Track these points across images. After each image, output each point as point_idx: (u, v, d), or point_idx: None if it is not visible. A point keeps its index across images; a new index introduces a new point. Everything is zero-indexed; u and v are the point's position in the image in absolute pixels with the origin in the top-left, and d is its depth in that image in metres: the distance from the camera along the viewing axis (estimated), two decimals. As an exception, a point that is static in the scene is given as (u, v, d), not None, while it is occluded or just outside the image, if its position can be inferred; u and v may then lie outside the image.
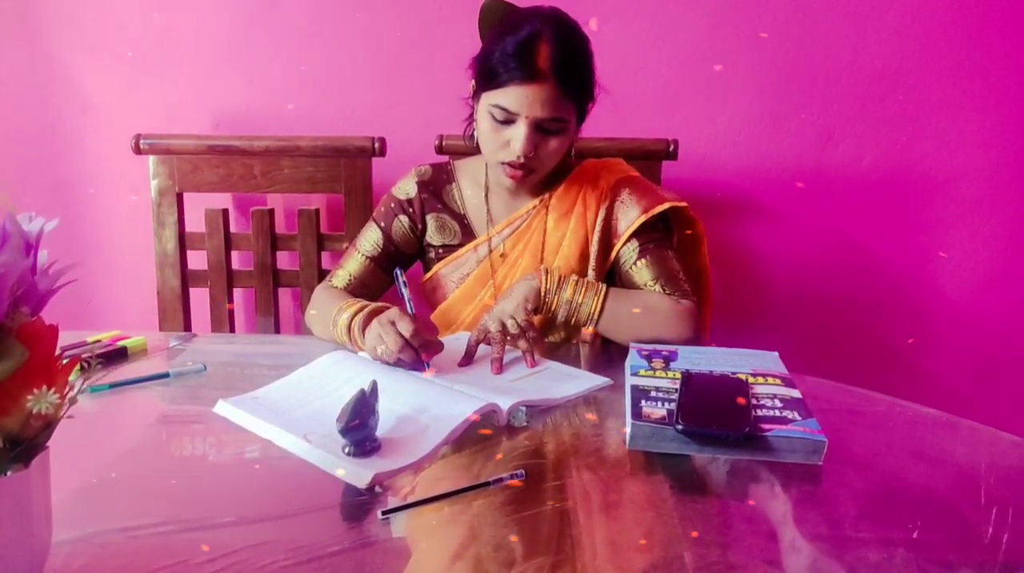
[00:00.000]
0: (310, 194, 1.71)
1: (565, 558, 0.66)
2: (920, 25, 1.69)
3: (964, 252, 1.83)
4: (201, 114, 1.80)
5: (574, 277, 1.23)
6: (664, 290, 1.26)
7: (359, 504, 0.76)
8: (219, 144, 1.64)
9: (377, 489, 0.78)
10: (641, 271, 1.28)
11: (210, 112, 1.80)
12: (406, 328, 1.04)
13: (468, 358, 1.14)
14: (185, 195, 1.68)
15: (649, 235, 1.29)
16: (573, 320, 1.22)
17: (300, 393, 1.01)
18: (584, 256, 1.31)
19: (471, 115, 1.26)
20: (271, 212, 1.69)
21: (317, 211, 1.69)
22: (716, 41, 1.72)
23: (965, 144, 1.76)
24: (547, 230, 1.31)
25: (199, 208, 1.69)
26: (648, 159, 1.61)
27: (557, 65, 1.13)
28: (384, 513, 0.73)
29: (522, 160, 1.19)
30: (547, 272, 1.22)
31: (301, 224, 1.69)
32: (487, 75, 1.17)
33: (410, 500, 0.76)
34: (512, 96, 1.15)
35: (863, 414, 1.01)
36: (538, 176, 1.26)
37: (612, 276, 1.34)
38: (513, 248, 1.32)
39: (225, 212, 1.69)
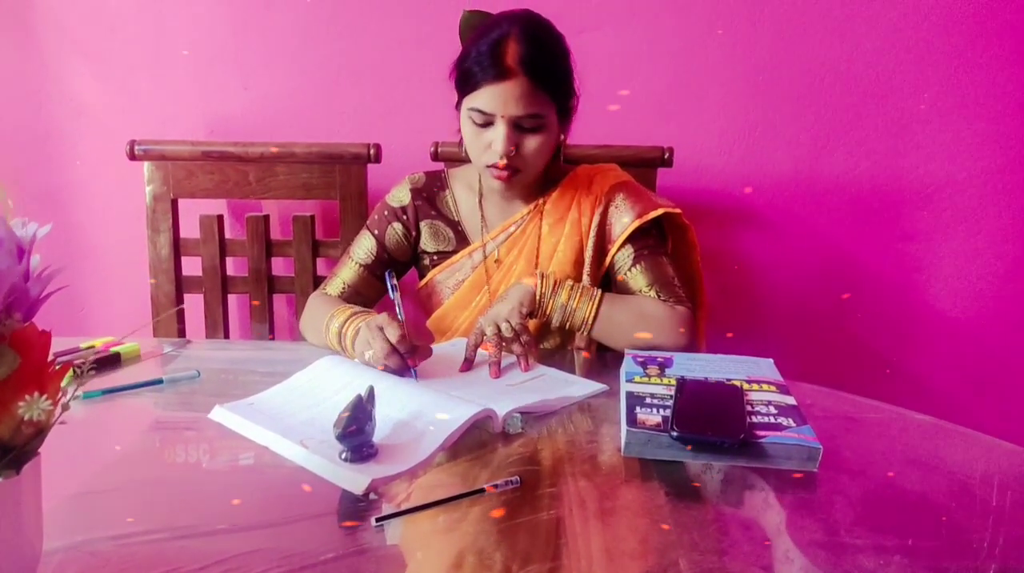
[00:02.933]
0: (305, 200, 1.70)
1: (560, 566, 0.66)
2: (913, 34, 1.70)
3: (957, 259, 1.84)
4: (196, 120, 1.80)
5: (569, 282, 1.23)
6: (659, 296, 1.25)
7: (353, 511, 0.76)
8: (214, 150, 1.63)
9: (372, 496, 0.78)
10: (636, 277, 1.27)
11: (205, 118, 1.80)
12: (393, 333, 1.04)
13: (468, 363, 1.14)
14: (180, 201, 1.68)
15: (643, 241, 1.29)
16: (568, 325, 1.22)
17: (297, 398, 1.00)
18: (579, 262, 1.31)
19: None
20: (266, 218, 1.69)
21: (312, 218, 1.69)
22: (710, 49, 1.72)
23: (958, 152, 1.76)
24: (541, 236, 1.31)
25: (194, 214, 1.69)
26: (644, 166, 1.61)
27: (527, 60, 1.14)
28: (378, 520, 0.72)
29: (505, 161, 1.19)
30: (543, 276, 1.22)
31: (296, 230, 1.68)
32: (463, 80, 1.19)
33: (404, 507, 0.75)
34: (486, 96, 1.16)
35: (857, 421, 1.01)
36: (527, 177, 1.25)
37: (607, 283, 1.33)
38: (508, 254, 1.32)
39: (220, 218, 1.69)
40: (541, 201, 1.32)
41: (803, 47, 1.72)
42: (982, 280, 1.84)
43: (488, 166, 1.22)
